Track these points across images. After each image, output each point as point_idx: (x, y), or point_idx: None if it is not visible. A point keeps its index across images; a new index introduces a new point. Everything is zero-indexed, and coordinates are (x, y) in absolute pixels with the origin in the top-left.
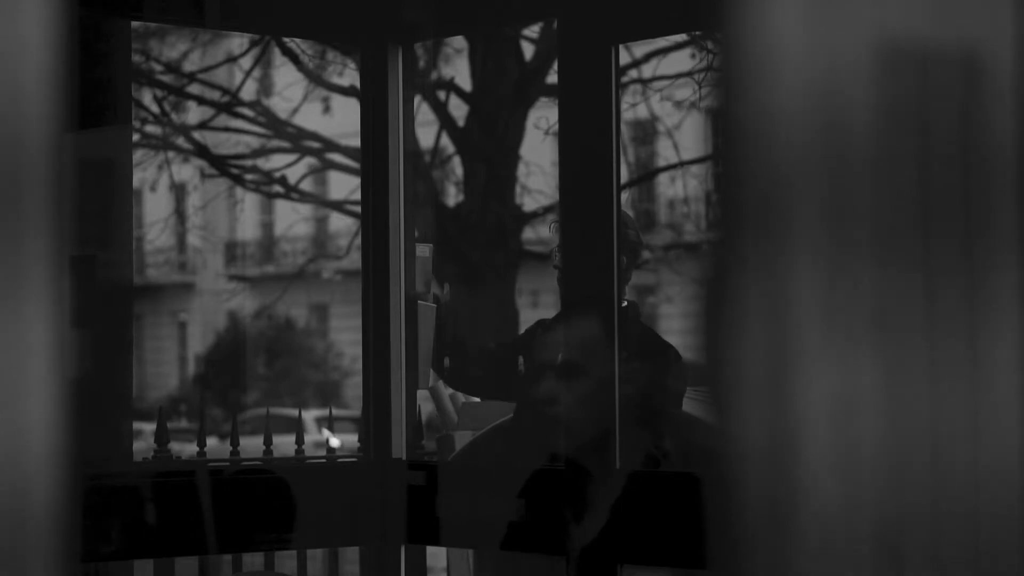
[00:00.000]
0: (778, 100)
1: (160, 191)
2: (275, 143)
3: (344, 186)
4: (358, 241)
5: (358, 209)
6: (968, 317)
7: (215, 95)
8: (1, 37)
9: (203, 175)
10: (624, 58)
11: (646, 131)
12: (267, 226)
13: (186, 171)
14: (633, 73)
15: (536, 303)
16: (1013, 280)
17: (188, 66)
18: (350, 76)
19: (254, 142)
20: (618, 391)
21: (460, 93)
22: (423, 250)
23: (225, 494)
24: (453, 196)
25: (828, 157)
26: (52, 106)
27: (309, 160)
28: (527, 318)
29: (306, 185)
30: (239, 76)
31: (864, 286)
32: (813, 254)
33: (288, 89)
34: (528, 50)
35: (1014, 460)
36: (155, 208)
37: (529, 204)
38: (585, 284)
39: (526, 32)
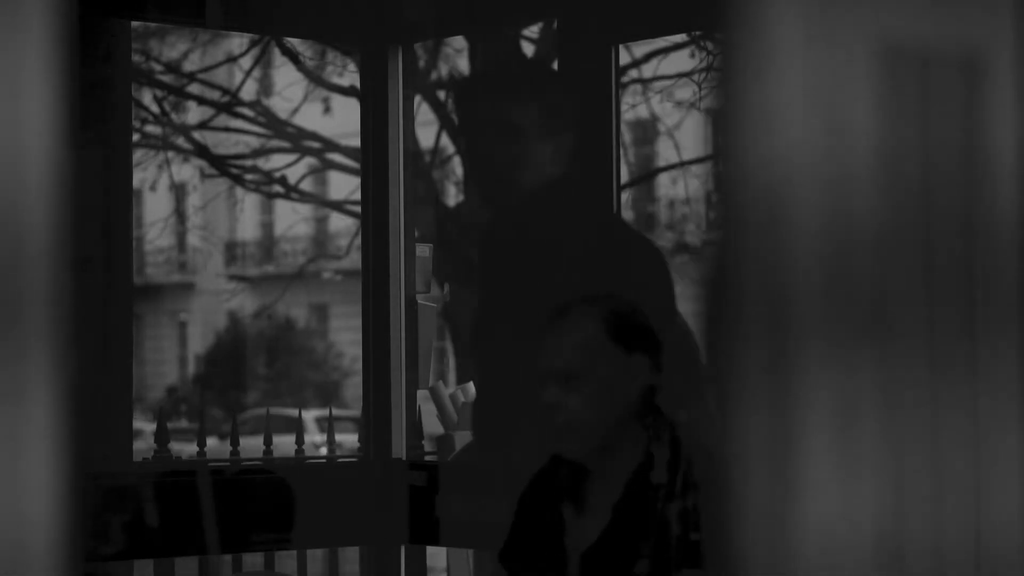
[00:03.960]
0: (778, 100)
1: (160, 191)
2: (275, 143)
3: (344, 186)
4: (358, 241)
5: (358, 209)
6: (969, 318)
7: (215, 95)
8: (0, 37)
9: (203, 175)
10: (624, 58)
11: (646, 131)
12: (267, 226)
13: (186, 171)
14: (633, 73)
15: None
16: (1014, 275)
17: (188, 66)
18: (350, 76)
19: (254, 142)
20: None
21: None
22: (423, 250)
23: (225, 494)
24: (453, 196)
25: (828, 157)
26: (52, 106)
27: (309, 160)
28: None
29: (306, 185)
30: (239, 76)
31: (864, 286)
32: (814, 253)
33: (288, 89)
34: (528, 50)
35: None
36: (155, 208)
37: None
38: (587, 285)
39: (526, 32)
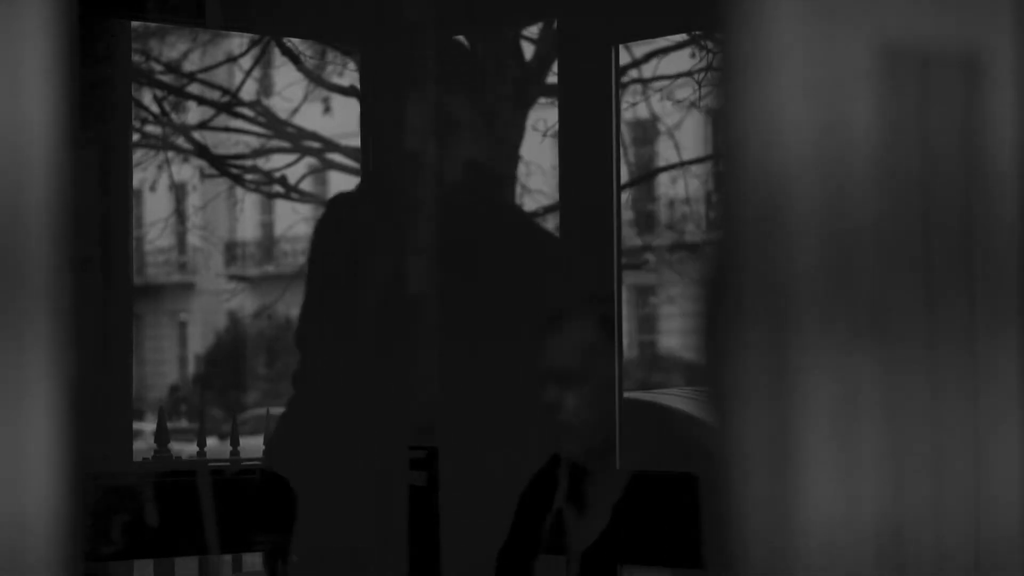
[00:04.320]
0: (778, 100)
1: (160, 191)
2: (275, 143)
3: (344, 186)
4: None
5: None
6: (969, 318)
7: (215, 95)
8: (0, 37)
9: (203, 175)
10: (624, 58)
11: (646, 131)
12: (267, 226)
13: (186, 171)
14: (633, 73)
15: None
16: (1014, 276)
17: (188, 66)
18: (350, 76)
19: (254, 142)
20: (618, 391)
21: None
22: None
23: (225, 494)
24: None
25: (828, 157)
26: (52, 106)
27: (309, 160)
28: None
29: (306, 185)
30: (239, 76)
31: (864, 286)
32: (813, 253)
33: (288, 89)
34: (528, 50)
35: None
36: (155, 208)
37: (529, 204)
38: (584, 285)
39: (526, 32)
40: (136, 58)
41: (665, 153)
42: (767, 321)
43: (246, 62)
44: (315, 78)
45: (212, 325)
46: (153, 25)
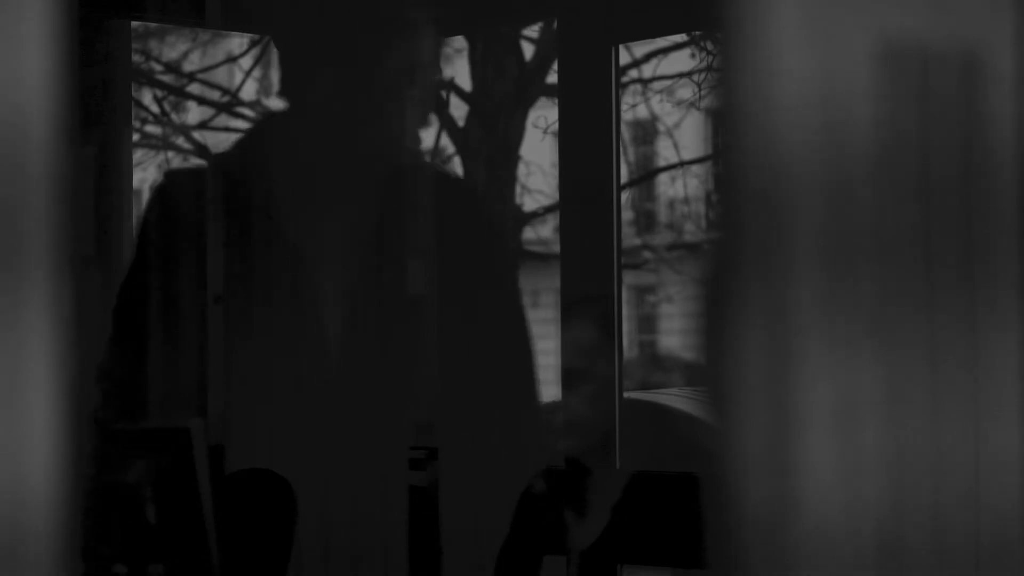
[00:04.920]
0: (778, 100)
1: None
2: None
3: None
4: None
5: None
6: (969, 319)
7: (215, 95)
8: (0, 37)
9: None
10: (624, 58)
11: (646, 131)
12: None
13: None
14: (633, 73)
15: (536, 303)
16: (1014, 277)
17: (188, 66)
18: None
19: None
20: (618, 391)
21: (460, 93)
22: None
23: (226, 494)
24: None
25: (828, 157)
26: (52, 106)
27: None
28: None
29: None
30: (239, 76)
31: (864, 287)
32: (813, 254)
33: None
34: (528, 50)
35: (1015, 466)
36: None
37: (529, 204)
38: (584, 284)
39: (526, 32)
40: (136, 58)
41: (665, 153)
42: (767, 320)
43: (246, 62)
44: None
45: None
46: (153, 25)
